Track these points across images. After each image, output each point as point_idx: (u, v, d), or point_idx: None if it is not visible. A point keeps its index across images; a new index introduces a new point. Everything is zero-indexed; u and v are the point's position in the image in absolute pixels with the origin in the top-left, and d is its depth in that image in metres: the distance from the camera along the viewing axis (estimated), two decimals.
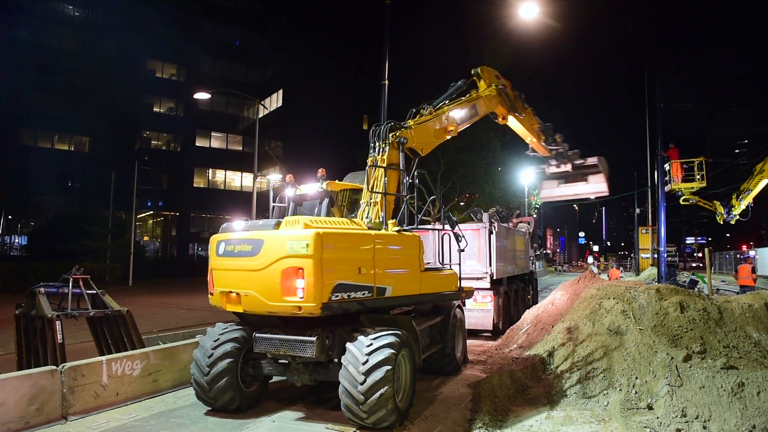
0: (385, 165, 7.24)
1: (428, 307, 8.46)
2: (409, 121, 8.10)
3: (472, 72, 10.27)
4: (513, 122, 11.36)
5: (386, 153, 7.37)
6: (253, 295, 5.99)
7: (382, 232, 6.65)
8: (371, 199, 7.12)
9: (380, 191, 7.09)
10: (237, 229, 6.51)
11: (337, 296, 5.75)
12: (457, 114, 9.12)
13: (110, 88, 37.23)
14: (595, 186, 13.53)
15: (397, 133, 7.52)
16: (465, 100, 9.54)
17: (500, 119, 11.02)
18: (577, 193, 14.26)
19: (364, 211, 7.13)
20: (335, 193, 7.75)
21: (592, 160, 13.27)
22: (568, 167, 13.22)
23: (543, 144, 12.59)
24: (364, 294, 6.07)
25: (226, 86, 40.58)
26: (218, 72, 46.24)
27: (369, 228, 6.54)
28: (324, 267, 5.65)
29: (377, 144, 7.53)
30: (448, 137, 8.98)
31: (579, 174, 13.56)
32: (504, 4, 17.37)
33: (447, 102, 9.22)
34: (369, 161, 7.51)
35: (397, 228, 6.85)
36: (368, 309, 6.29)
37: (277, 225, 6.10)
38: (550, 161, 13.33)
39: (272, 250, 5.86)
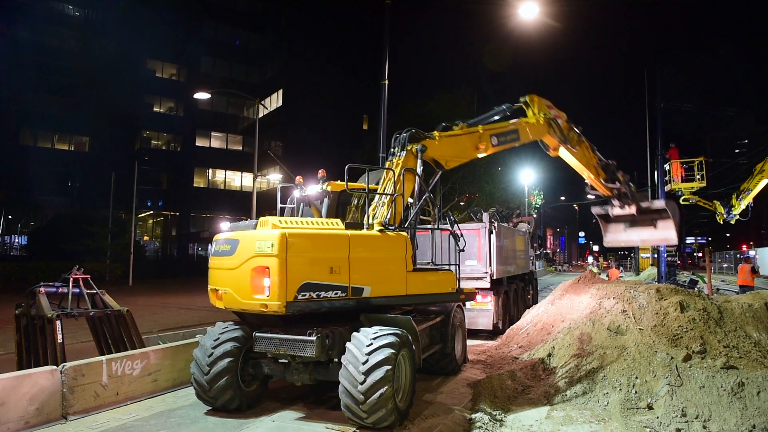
0: (398, 169, 7.28)
1: (431, 307, 8.44)
2: (435, 132, 8.12)
3: (521, 99, 9.96)
4: (566, 155, 10.74)
5: (401, 158, 7.43)
6: (229, 292, 6.20)
7: (362, 232, 6.64)
8: (379, 200, 7.16)
9: (381, 193, 7.12)
10: (224, 229, 6.74)
11: (304, 295, 5.81)
12: (494, 135, 8.87)
13: (110, 88, 37.18)
14: (664, 233, 12.27)
15: (417, 143, 7.59)
16: (508, 123, 9.33)
17: (551, 150, 10.50)
18: (644, 239, 13.21)
19: (373, 210, 7.16)
20: (334, 193, 7.78)
21: (659, 204, 12.27)
22: (632, 210, 11.99)
23: (602, 182, 11.54)
24: (336, 294, 6.09)
25: (226, 86, 40.60)
26: (218, 72, 46.22)
27: (347, 227, 6.55)
28: (289, 266, 5.72)
29: (396, 149, 7.63)
30: (479, 156, 8.81)
31: (647, 219, 12.26)
32: (504, 4, 17.39)
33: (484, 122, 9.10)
34: (387, 164, 7.61)
35: (379, 228, 6.81)
36: (344, 309, 6.29)
37: (256, 225, 6.27)
38: (613, 201, 12.15)
39: (245, 249, 6.04)
